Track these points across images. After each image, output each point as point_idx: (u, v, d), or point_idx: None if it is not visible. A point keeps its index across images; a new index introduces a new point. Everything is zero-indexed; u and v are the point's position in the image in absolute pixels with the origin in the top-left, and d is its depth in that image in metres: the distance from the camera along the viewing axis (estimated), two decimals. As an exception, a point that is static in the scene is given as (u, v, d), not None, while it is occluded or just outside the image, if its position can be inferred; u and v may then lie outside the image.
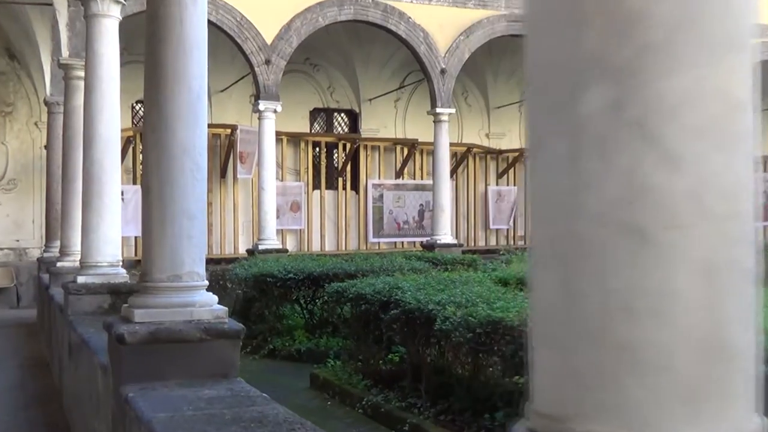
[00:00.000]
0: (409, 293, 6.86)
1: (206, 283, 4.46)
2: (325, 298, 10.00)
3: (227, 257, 17.63)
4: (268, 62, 15.22)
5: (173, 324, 4.17)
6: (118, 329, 4.08)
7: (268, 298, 10.34)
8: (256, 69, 15.32)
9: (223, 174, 18.04)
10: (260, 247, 15.18)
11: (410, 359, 7.11)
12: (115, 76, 7.54)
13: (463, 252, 17.20)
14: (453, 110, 17.29)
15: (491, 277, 8.17)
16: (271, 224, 15.43)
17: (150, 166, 4.33)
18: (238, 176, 17.26)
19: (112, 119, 7.56)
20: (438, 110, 16.76)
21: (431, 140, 19.62)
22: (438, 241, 16.69)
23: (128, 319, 4.24)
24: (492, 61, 20.41)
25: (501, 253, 14.77)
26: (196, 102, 4.39)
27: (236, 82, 18.12)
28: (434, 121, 17.08)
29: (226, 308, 4.44)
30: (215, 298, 4.47)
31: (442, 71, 16.74)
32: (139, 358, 4.10)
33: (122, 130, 15.67)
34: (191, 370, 4.21)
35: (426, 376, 6.79)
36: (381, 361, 8.11)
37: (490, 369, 6.26)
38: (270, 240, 15.35)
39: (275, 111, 15.43)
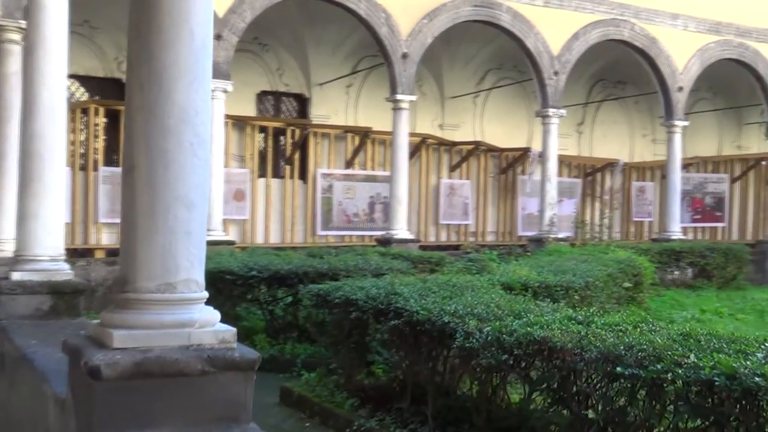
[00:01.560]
0: (413, 301, 5.85)
1: (206, 294, 3.37)
2: (292, 300, 8.94)
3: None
4: (218, 37, 13.96)
5: (166, 351, 3.08)
6: (92, 358, 2.97)
7: (224, 297, 9.18)
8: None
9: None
10: (206, 239, 13.93)
11: (410, 377, 6.10)
12: (62, 34, 6.31)
13: (420, 248, 16.28)
14: (414, 97, 16.32)
15: (491, 281, 7.22)
16: (217, 214, 14.21)
17: (135, 137, 3.22)
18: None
19: (58, 85, 6.33)
20: (398, 97, 15.76)
21: (385, 129, 18.71)
22: (394, 236, 15.72)
23: (102, 342, 3.13)
24: (449, 48, 19.50)
25: (467, 251, 13.87)
26: (200, 52, 3.29)
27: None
28: (393, 109, 16.08)
29: (234, 330, 3.36)
30: (217, 314, 3.39)
31: (404, 56, 15.75)
32: (120, 397, 2.99)
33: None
34: (190, 414, 3.12)
35: (432, 397, 5.79)
36: (362, 375, 7.09)
37: (518, 394, 5.31)
38: (216, 231, 14.13)
39: (225, 91, 14.21)
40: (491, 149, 20.31)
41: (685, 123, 19.49)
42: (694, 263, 15.75)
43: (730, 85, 22.91)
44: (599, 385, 4.52)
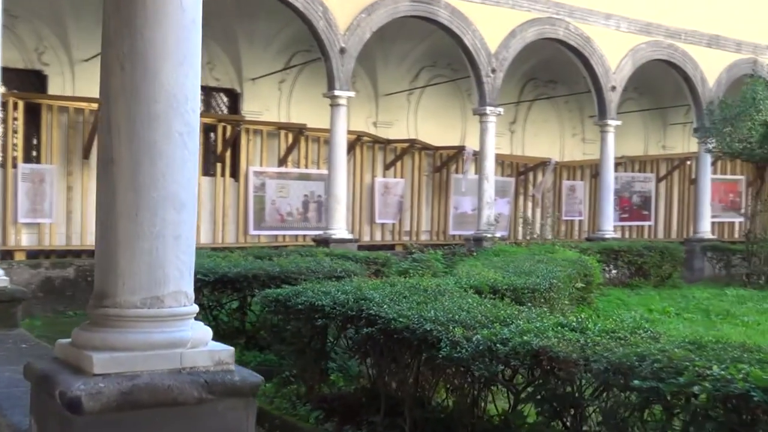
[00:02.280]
0: (387, 307, 5.47)
1: (196, 308, 2.93)
2: (239, 305, 8.45)
3: (90, 248, 15.54)
4: (149, 28, 13.29)
5: (156, 376, 2.63)
6: (70, 388, 2.49)
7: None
8: (135, 35, 13.35)
9: (86, 155, 15.85)
10: (136, 239, 13.28)
11: (383, 388, 5.71)
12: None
13: (359, 248, 15.90)
14: (352, 93, 15.92)
15: (459, 284, 6.88)
16: (148, 213, 13.53)
17: (115, 125, 2.76)
18: (107, 157, 15.13)
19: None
20: (336, 93, 15.34)
21: (319, 126, 18.26)
22: (333, 236, 15.31)
23: (79, 367, 2.65)
24: (384, 45, 19.16)
25: (410, 251, 13.54)
26: (191, 28, 2.89)
27: (104, 50, 15.96)
28: (331, 105, 15.66)
29: (232, 349, 2.93)
30: (209, 330, 2.95)
31: (342, 50, 15.34)
32: (105, 433, 2.53)
33: None
34: (186, 450, 2.68)
35: (409, 409, 5.42)
36: (322, 384, 6.68)
37: (499, 406, 5.00)
38: (147, 231, 13.45)
39: (157, 84, 13.54)
40: (426, 147, 20.06)
41: (618, 122, 19.65)
42: (631, 262, 15.81)
43: (655, 85, 23.23)
44: (602, 398, 4.23)
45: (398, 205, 19.89)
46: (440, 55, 20.56)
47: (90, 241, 15.76)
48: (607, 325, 4.73)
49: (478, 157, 21.01)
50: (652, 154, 25.29)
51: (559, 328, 4.69)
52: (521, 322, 4.85)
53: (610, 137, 19.37)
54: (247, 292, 8.16)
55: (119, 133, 2.68)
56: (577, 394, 4.35)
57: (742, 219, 25.19)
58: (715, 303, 12.69)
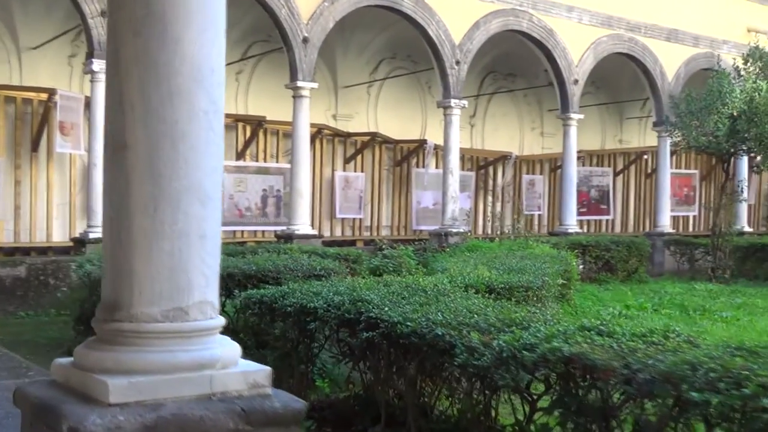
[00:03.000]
0: (389, 309, 5.05)
1: (223, 320, 2.48)
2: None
3: (39, 246, 14.80)
4: (104, 13, 12.61)
5: (183, 406, 2.18)
6: (84, 423, 2.02)
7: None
8: (89, 21, 12.69)
9: (35, 147, 15.09)
10: (91, 236, 12.64)
11: (383, 396, 5.29)
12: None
13: (324, 243, 15.45)
14: (315, 85, 15.43)
15: (454, 282, 6.49)
16: (102, 207, 12.87)
17: (128, 103, 2.29)
18: (59, 149, 14.40)
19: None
20: (299, 84, 14.84)
21: (279, 118, 17.74)
22: (296, 232, 14.82)
23: (90, 395, 2.18)
24: (344, 36, 18.70)
25: (380, 247, 13.12)
26: (217, -12, 2.40)
27: (54, 38, 15.23)
28: (294, 96, 15.15)
29: (268, 369, 2.48)
30: (238, 347, 2.50)
31: (305, 40, 14.84)
32: (125, 477, 2.07)
33: None
34: (222, 493, 2.23)
35: (414, 418, 5.02)
36: (309, 391, 6.24)
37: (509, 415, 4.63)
38: (101, 227, 12.80)
39: (112, 73, 12.87)
40: (386, 141, 19.66)
41: (581, 116, 19.49)
42: (599, 257, 15.63)
43: (612, 80, 23.18)
44: (638, 409, 3.88)
45: (359, 200, 19.46)
46: (400, 47, 20.18)
47: (40, 237, 15.01)
48: (636, 328, 4.39)
49: (442, 150, 20.70)
50: (609, 148, 25.26)
51: (585, 332, 4.33)
52: (540, 326, 4.48)
53: (573, 131, 19.20)
54: (222, 292, 7.64)
55: (133, 112, 2.21)
56: (610, 405, 3.99)
57: (695, 213, 25.40)
58: (688, 298, 12.55)
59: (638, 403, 3.92)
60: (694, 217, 25.56)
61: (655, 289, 14.03)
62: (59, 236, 15.23)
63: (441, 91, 17.19)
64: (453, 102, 16.85)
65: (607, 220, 24.31)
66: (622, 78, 22.98)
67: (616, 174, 24.66)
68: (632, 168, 24.85)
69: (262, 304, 5.99)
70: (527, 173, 23.12)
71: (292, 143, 15.55)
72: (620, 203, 24.87)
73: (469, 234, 17.13)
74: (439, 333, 4.57)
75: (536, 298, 7.15)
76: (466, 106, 17.72)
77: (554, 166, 23.54)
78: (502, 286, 6.63)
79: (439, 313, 4.85)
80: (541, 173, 23.51)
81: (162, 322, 2.22)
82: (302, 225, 15.03)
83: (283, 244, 12.96)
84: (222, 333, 7.63)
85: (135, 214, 2.22)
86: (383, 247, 12.53)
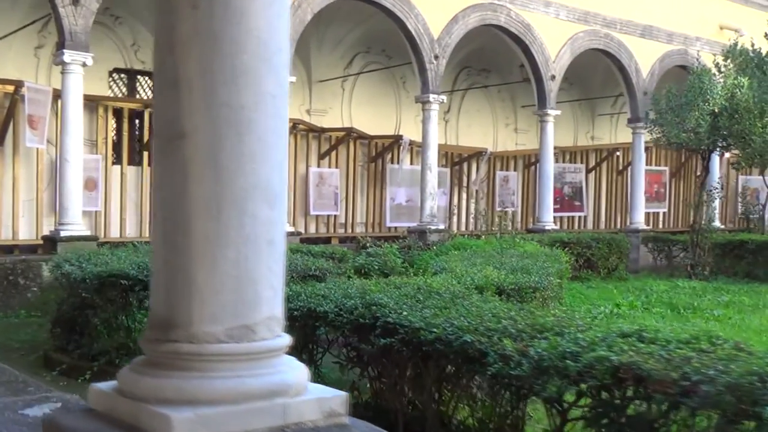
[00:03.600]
0: (408, 314, 4.74)
1: (289, 338, 2.16)
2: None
3: (4, 244, 14.23)
4: (75, 2, 12.13)
5: (257, 440, 1.86)
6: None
7: (116, 307, 7.69)
8: (60, 10, 12.17)
9: (1, 142, 14.51)
10: (62, 233, 12.15)
11: (401, 405, 4.99)
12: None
13: (301, 241, 15.10)
14: (294, 79, 15.02)
15: (463, 283, 6.20)
16: (76, 204, 12.41)
17: (185, 84, 1.96)
18: (28, 144, 13.84)
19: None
20: (277, 77, 14.42)
21: (253, 113, 17.36)
22: (274, 229, 14.42)
23: (144, 429, 1.85)
24: (318, 30, 18.33)
25: (363, 245, 12.81)
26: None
27: (19, 29, 14.65)
28: (271, 90, 14.74)
29: (344, 394, 2.16)
30: (306, 369, 2.18)
31: (282, 32, 14.42)
32: None
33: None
34: None
35: (432, 428, 4.73)
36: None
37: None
38: (75, 225, 12.34)
39: (84, 64, 12.39)
40: (361, 137, 19.33)
41: (558, 112, 19.35)
42: (580, 254, 15.47)
43: (585, 76, 23.10)
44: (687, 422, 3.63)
45: (335, 196, 19.12)
46: (375, 41, 19.87)
47: (5, 235, 14.45)
48: (683, 335, 4.14)
49: (418, 146, 20.45)
50: (582, 144, 25.21)
51: (623, 338, 4.08)
52: (575, 332, 4.21)
53: (550, 127, 19.05)
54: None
55: (191, 95, 1.89)
56: (656, 417, 3.74)
57: (665, 209, 25.46)
58: (674, 296, 12.42)
59: (687, 416, 3.68)
60: (664, 213, 25.60)
61: (639, 287, 13.90)
62: (26, 234, 14.67)
63: (419, 86, 16.91)
64: (432, 97, 16.58)
65: (579, 217, 24.27)
66: (594, 74, 22.93)
67: (588, 171, 24.62)
68: (604, 165, 24.83)
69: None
70: (501, 169, 22.96)
71: (269, 138, 15.16)
72: (592, 200, 24.85)
73: (454, 232, 16.87)
74: (468, 340, 4.28)
75: (543, 298, 6.90)
76: (445, 101, 17.45)
77: (528, 162, 23.41)
78: (512, 287, 6.37)
79: (462, 318, 4.55)
80: (515, 170, 23.36)
81: (227, 342, 1.89)
82: (280, 222, 14.64)
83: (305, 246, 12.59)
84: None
85: (196, 216, 1.88)
86: (367, 245, 12.21)
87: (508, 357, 4.05)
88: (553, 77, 18.85)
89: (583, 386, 3.81)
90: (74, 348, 8.09)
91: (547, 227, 18.54)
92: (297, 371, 2.04)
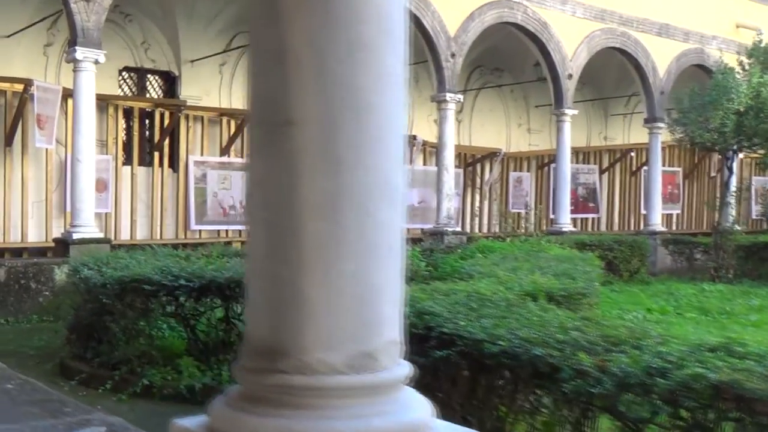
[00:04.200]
0: (465, 323, 4.40)
1: (409, 366, 1.81)
2: (224, 315, 7.27)
3: (13, 246, 13.90)
4: (88, -2, 11.80)
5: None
6: None
7: (137, 313, 7.35)
8: (72, 6, 11.83)
9: (9, 142, 14.18)
10: (75, 236, 11.81)
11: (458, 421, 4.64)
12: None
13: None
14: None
15: (510, 290, 5.85)
16: (88, 206, 12.07)
17: (293, 57, 1.61)
18: (37, 144, 13.52)
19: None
20: (292, 75, 14.08)
21: (265, 113, 17.04)
22: (289, 231, 14.08)
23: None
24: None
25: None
26: None
27: (29, 26, 14.33)
28: (286, 89, 14.41)
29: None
30: (429, 404, 1.83)
31: (298, 30, 14.09)
32: None
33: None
34: None
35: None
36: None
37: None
38: (87, 227, 12.01)
39: (96, 62, 12.06)
40: (375, 137, 18.99)
41: (575, 111, 19.03)
42: (601, 257, 15.07)
43: (598, 75, 22.73)
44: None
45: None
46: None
47: (15, 237, 14.12)
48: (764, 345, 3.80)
49: (431, 147, 20.15)
50: (595, 145, 24.86)
51: (713, 352, 3.73)
52: (653, 344, 3.87)
53: (567, 127, 18.70)
54: (242, 299, 6.95)
55: (300, 75, 1.56)
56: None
57: (679, 210, 25.10)
58: (704, 300, 12.08)
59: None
60: (678, 215, 25.25)
61: (665, 290, 13.54)
62: (35, 236, 14.34)
63: (435, 85, 16.58)
64: (448, 96, 16.25)
65: (593, 219, 23.92)
66: (607, 74, 22.58)
67: (601, 171, 24.29)
68: (617, 165, 24.50)
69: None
70: (514, 170, 22.62)
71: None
72: (606, 201, 24.51)
73: (470, 233, 16.51)
74: (539, 353, 3.93)
75: (588, 305, 6.56)
76: (462, 100, 17.10)
77: (541, 163, 23.08)
78: (562, 293, 6.02)
79: (525, 329, 4.21)
80: (528, 170, 23.01)
81: (346, 373, 1.55)
82: (295, 224, 14.31)
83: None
84: (234, 343, 6.90)
85: (306, 218, 1.55)
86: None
87: (585, 373, 3.71)
88: (570, 76, 18.51)
89: (679, 409, 3.45)
90: (93, 356, 7.75)
91: (564, 229, 18.20)
92: (424, 407, 1.69)
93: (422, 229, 19.12)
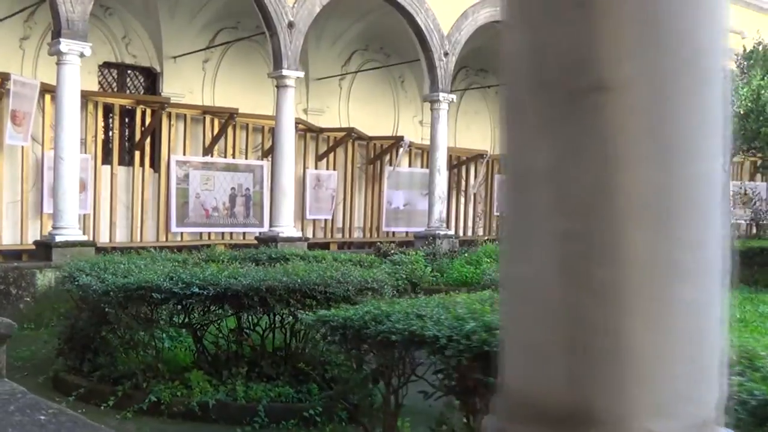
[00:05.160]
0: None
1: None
2: (236, 326, 6.75)
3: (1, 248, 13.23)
4: (73, -13, 11.15)
5: None
6: None
7: (142, 323, 6.77)
8: (56, -6, 11.19)
9: (-5, 139, 13.44)
10: (58, 238, 11.14)
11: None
12: None
13: (309, 247, 14.21)
14: (301, 74, 14.24)
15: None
16: (72, 207, 11.42)
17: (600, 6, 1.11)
18: (8, 141, 12.79)
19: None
20: (284, 72, 13.59)
21: (251, 111, 16.49)
22: (280, 234, 13.54)
23: None
24: (317, 24, 17.44)
25: (384, 252, 11.96)
26: None
27: (5, 18, 13.62)
28: (277, 86, 13.94)
29: None
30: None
31: (290, 25, 13.59)
32: None
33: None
34: None
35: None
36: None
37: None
38: (71, 229, 11.35)
39: (82, 55, 11.41)
40: (361, 137, 18.49)
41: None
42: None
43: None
44: None
45: (332, 200, 18.26)
46: (373, 38, 19.09)
47: (4, 241, 13.41)
48: None
49: (419, 148, 19.73)
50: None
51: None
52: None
53: (557, 129, 18.33)
54: (260, 308, 6.41)
55: (610, 23, 1.05)
56: None
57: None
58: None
59: None
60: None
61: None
62: (10, 238, 13.63)
63: (427, 85, 16.16)
64: (441, 96, 15.83)
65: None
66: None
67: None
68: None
69: (346, 330, 4.79)
70: (499, 173, 22.24)
71: (274, 137, 14.31)
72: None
73: (483, 236, 16.07)
74: None
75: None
76: (455, 100, 16.67)
77: (525, 166, 22.73)
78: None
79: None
80: (512, 173, 22.63)
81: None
82: (286, 226, 13.78)
83: (271, 248, 11.68)
84: (247, 354, 6.34)
85: (628, 225, 1.06)
86: (390, 251, 11.37)
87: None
88: (560, 77, 18.15)
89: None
90: (91, 369, 7.15)
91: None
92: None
93: (412, 233, 18.71)
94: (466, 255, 11.20)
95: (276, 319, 6.79)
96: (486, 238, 18.37)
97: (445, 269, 10.79)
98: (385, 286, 6.66)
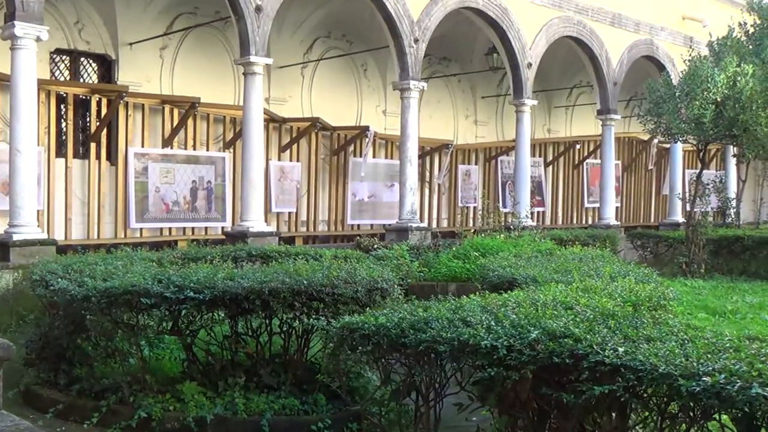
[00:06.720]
0: (625, 350, 3.46)
1: None
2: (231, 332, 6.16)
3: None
4: (27, -34, 10.34)
5: None
6: None
7: (127, 332, 6.14)
8: (10, -26, 10.35)
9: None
10: (15, 237, 10.33)
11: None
12: None
13: (281, 241, 13.59)
14: (270, 60, 13.59)
15: (613, 299, 4.90)
16: (30, 203, 10.61)
17: None
18: (-40, 133, 11.93)
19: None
20: (252, 59, 12.90)
21: (211, 101, 15.76)
22: (250, 229, 12.89)
23: None
24: (278, 11, 16.77)
25: (366, 247, 11.40)
26: None
27: (-51, 0, 12.67)
28: (245, 74, 13.23)
29: None
30: None
31: (258, 9, 12.92)
32: None
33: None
34: None
35: None
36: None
37: None
38: (29, 227, 10.55)
39: (38, 39, 10.59)
40: (325, 128, 17.88)
41: (534, 102, 18.35)
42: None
43: (542, 67, 22.11)
44: None
45: (296, 192, 17.63)
46: (335, 26, 18.51)
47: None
48: None
49: (384, 139, 19.22)
50: (539, 137, 24.33)
51: None
52: None
53: (527, 117, 18.02)
54: (262, 312, 5.83)
55: None
56: None
57: (619, 204, 24.83)
58: (698, 298, 11.48)
59: None
60: (617, 208, 25.02)
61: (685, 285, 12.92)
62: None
63: (397, 72, 15.62)
64: (412, 84, 15.31)
65: (539, 212, 23.39)
66: (552, 65, 22.03)
67: (546, 164, 23.84)
68: (561, 158, 24.10)
69: (380, 338, 4.24)
70: (462, 163, 21.85)
71: (243, 127, 13.62)
72: (551, 195, 24.08)
73: (435, 229, 15.59)
74: (756, 393, 3.01)
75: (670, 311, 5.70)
76: (425, 88, 16.17)
77: (489, 156, 22.40)
78: (653, 302, 5.13)
79: (722, 360, 3.29)
80: (475, 163, 22.29)
81: None
82: (256, 221, 13.13)
83: (249, 245, 11.06)
84: (242, 362, 5.73)
85: None
86: (373, 246, 10.83)
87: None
88: (529, 65, 17.83)
89: None
90: (67, 382, 6.49)
91: (525, 223, 17.49)
92: None
93: (378, 225, 18.21)
94: (453, 249, 10.72)
95: (273, 322, 6.22)
96: (470, 229, 17.98)
97: (432, 264, 10.30)
98: (395, 286, 6.13)
